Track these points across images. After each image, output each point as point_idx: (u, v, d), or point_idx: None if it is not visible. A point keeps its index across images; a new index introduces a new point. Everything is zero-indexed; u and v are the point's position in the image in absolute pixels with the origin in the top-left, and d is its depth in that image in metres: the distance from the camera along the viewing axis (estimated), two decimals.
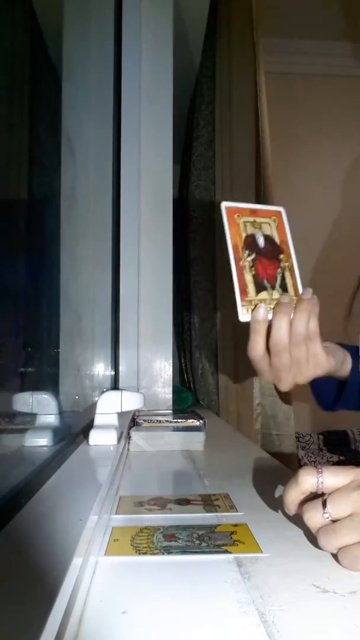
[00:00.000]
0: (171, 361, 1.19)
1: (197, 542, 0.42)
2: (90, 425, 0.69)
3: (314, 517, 0.38)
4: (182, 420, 0.88)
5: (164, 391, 1.18)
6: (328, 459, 1.89)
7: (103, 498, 0.44)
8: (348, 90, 2.34)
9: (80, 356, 1.13)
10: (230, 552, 0.40)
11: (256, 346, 0.58)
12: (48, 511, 0.39)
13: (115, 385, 1.16)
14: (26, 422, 0.69)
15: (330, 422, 2.08)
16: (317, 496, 0.40)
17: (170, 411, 1.09)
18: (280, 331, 0.56)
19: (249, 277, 0.56)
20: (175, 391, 1.21)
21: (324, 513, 0.37)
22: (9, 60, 0.93)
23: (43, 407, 0.69)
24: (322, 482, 0.39)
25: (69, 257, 1.12)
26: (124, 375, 1.17)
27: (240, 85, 1.51)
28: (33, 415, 0.69)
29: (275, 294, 0.57)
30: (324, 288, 2.45)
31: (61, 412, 0.71)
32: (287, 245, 0.59)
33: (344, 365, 0.68)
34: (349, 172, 2.33)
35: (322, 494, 0.39)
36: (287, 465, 0.71)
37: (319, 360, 0.59)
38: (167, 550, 0.40)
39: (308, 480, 0.39)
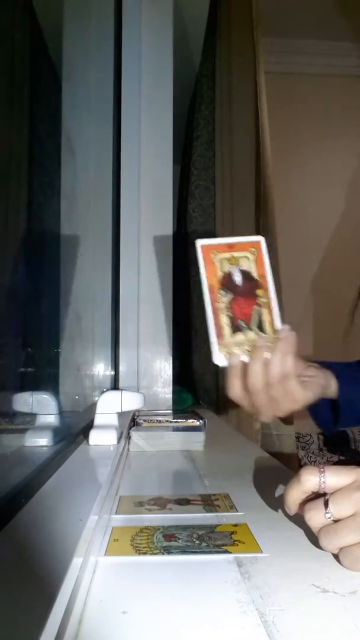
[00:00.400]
0: (171, 361, 1.19)
1: (197, 542, 0.42)
2: (90, 425, 0.69)
3: (316, 516, 0.38)
4: (182, 420, 0.88)
5: (164, 391, 1.18)
6: (328, 459, 1.89)
7: (103, 498, 0.44)
8: (348, 90, 2.34)
9: (80, 356, 1.13)
10: (230, 552, 0.40)
11: (234, 388, 0.59)
12: (48, 511, 0.39)
13: (115, 385, 1.16)
14: (26, 422, 0.69)
15: None
16: (318, 496, 0.40)
17: (170, 411, 1.09)
18: (256, 375, 0.56)
19: (224, 319, 0.56)
20: (175, 391, 1.21)
21: (326, 513, 0.37)
22: (9, 60, 0.93)
23: (43, 407, 0.69)
24: (324, 482, 0.39)
25: (69, 257, 1.12)
26: (124, 375, 1.17)
27: (240, 85, 1.51)
28: (33, 415, 0.69)
29: (251, 335, 0.56)
30: (325, 292, 2.45)
31: (61, 412, 0.71)
32: (265, 279, 0.57)
33: (328, 389, 0.68)
34: (349, 172, 2.33)
35: (324, 494, 0.39)
36: (287, 465, 0.71)
37: (295, 397, 0.59)
38: (167, 550, 0.40)
39: (310, 479, 0.39)
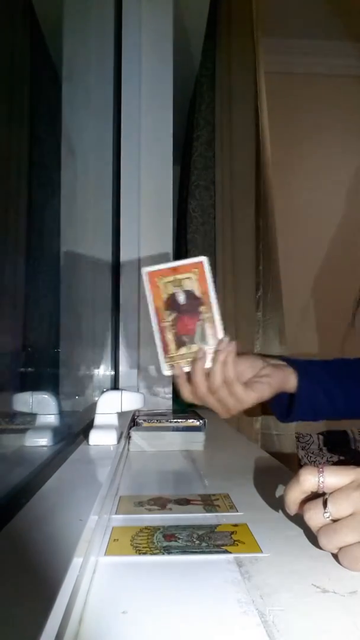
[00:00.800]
0: None
1: (197, 542, 0.42)
2: (90, 425, 0.69)
3: (315, 516, 0.38)
4: (182, 420, 0.88)
5: (164, 391, 1.18)
6: (328, 459, 1.89)
7: (103, 498, 0.44)
8: (348, 90, 2.34)
9: (80, 356, 1.13)
10: (230, 552, 0.40)
11: (185, 393, 0.66)
12: (48, 511, 0.39)
13: (115, 385, 1.16)
14: (26, 422, 0.69)
15: (330, 422, 2.08)
16: (317, 496, 0.40)
17: (170, 411, 1.09)
18: (198, 382, 0.63)
19: (169, 336, 0.63)
20: (176, 391, 1.21)
21: (325, 512, 0.38)
22: (9, 60, 0.93)
23: (43, 407, 0.69)
24: (323, 482, 0.39)
25: (69, 257, 1.12)
26: (124, 375, 1.17)
27: (240, 85, 1.51)
28: (33, 415, 0.69)
29: (194, 347, 0.63)
30: (327, 291, 2.44)
31: (61, 412, 0.71)
32: (207, 295, 0.63)
33: (287, 385, 0.71)
34: (349, 172, 2.33)
35: (323, 494, 0.39)
36: (287, 465, 0.71)
37: (241, 398, 0.64)
38: (167, 550, 0.40)
39: (309, 479, 0.39)
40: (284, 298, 1.54)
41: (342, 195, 2.32)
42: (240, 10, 1.54)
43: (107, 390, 0.76)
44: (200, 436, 0.83)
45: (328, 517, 0.38)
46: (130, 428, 0.84)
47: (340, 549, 0.37)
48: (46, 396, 0.70)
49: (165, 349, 0.63)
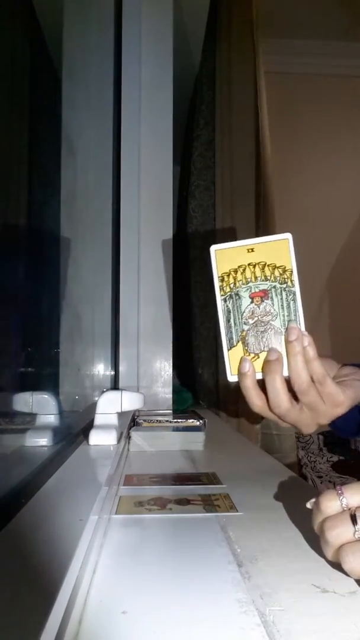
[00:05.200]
0: (171, 361, 1.19)
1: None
2: (90, 425, 0.69)
3: (343, 535, 0.35)
4: (182, 420, 0.88)
5: (164, 391, 1.18)
6: (328, 459, 1.89)
7: (103, 498, 0.44)
8: (348, 90, 2.34)
9: (80, 356, 1.13)
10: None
11: (257, 405, 0.52)
12: (48, 511, 0.39)
13: (115, 385, 1.16)
14: (26, 422, 0.69)
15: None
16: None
17: (170, 411, 1.09)
18: (276, 394, 0.49)
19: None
20: (175, 391, 1.21)
21: (356, 532, 0.34)
22: (9, 60, 0.93)
23: (43, 407, 0.69)
24: (346, 504, 0.36)
25: (69, 257, 1.12)
26: (124, 375, 1.17)
27: (240, 85, 1.51)
28: (33, 415, 0.69)
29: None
30: (338, 293, 2.41)
31: (61, 412, 0.71)
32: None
33: None
34: (350, 173, 2.33)
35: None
36: (287, 466, 0.71)
37: (336, 399, 0.52)
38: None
39: (330, 506, 0.37)
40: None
41: (343, 195, 2.32)
42: (240, 10, 1.54)
43: (107, 390, 0.76)
44: (200, 436, 0.83)
45: (358, 536, 0.34)
46: (130, 428, 0.84)
47: None
48: (46, 396, 0.70)
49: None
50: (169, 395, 1.18)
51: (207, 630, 0.29)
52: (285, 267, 0.50)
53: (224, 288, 0.51)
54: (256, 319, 0.49)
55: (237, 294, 0.50)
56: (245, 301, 0.50)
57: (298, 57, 2.28)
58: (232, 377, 0.50)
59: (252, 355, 0.49)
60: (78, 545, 0.31)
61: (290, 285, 0.49)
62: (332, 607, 0.32)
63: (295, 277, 0.49)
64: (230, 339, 0.50)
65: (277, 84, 2.05)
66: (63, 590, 0.26)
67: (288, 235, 0.51)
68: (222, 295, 0.50)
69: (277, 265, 0.50)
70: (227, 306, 0.50)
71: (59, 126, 1.12)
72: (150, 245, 1.20)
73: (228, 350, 0.50)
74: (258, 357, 0.49)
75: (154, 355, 1.18)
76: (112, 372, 1.18)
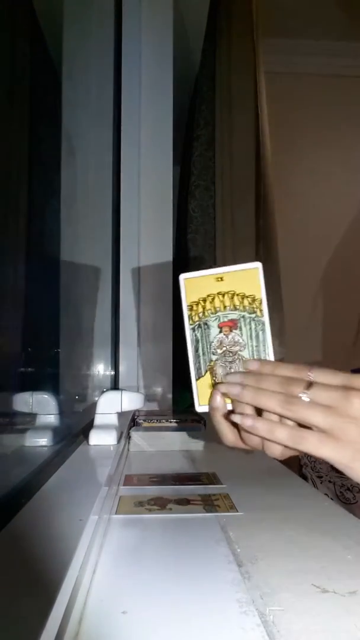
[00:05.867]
0: (171, 361, 1.19)
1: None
2: (90, 425, 0.69)
3: (293, 389, 0.39)
4: (182, 420, 0.88)
5: (164, 391, 1.18)
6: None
7: (103, 498, 0.44)
8: (348, 89, 2.34)
9: (80, 356, 1.13)
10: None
11: (227, 436, 0.48)
12: (48, 511, 0.39)
13: (115, 385, 1.16)
14: (26, 422, 0.69)
15: None
16: None
17: (170, 411, 1.09)
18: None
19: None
20: (176, 391, 1.21)
21: (304, 392, 0.39)
22: (9, 60, 0.93)
23: (43, 407, 0.69)
24: (313, 377, 0.40)
25: (69, 257, 1.12)
26: (124, 375, 1.17)
27: (240, 85, 1.51)
28: (33, 415, 0.69)
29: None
30: (332, 294, 2.39)
31: (61, 412, 0.71)
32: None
33: None
34: (351, 173, 2.33)
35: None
36: (287, 465, 0.71)
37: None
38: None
39: (298, 373, 0.41)
40: (285, 300, 1.54)
41: (343, 195, 2.32)
42: (240, 10, 1.54)
43: (107, 390, 0.76)
44: (200, 436, 0.83)
45: (305, 398, 0.39)
46: (130, 428, 0.84)
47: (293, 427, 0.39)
48: (46, 396, 0.70)
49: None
50: (169, 395, 1.18)
51: (207, 630, 0.29)
52: (254, 297, 0.49)
53: (193, 317, 0.50)
54: (224, 348, 0.48)
55: (205, 324, 0.49)
56: (214, 331, 0.49)
57: (298, 57, 2.28)
58: (200, 408, 0.49)
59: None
60: (78, 545, 0.31)
61: (259, 315, 0.48)
62: (332, 607, 0.32)
63: (264, 307, 0.48)
64: (198, 369, 0.49)
65: (277, 84, 2.05)
66: (63, 590, 0.26)
67: (258, 264, 0.50)
68: (190, 325, 0.50)
69: (247, 294, 0.49)
70: (195, 335, 0.49)
71: (59, 126, 1.12)
72: (150, 245, 1.20)
73: (196, 380, 0.49)
74: None
75: (154, 355, 1.18)
76: (112, 372, 1.18)
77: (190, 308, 0.50)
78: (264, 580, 0.36)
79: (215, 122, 1.55)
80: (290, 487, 0.60)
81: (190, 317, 0.50)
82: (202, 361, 0.49)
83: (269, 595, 0.34)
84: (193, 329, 0.50)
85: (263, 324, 0.48)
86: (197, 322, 0.50)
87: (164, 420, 0.88)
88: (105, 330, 1.18)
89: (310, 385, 0.39)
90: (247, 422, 0.42)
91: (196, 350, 0.49)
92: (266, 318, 0.48)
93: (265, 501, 0.54)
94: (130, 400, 0.74)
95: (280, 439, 0.40)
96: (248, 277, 0.50)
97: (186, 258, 1.60)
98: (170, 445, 0.82)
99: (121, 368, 1.17)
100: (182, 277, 0.51)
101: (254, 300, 0.49)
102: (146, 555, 0.40)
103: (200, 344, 0.49)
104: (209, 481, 0.62)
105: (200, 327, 0.49)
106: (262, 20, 1.59)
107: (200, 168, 1.58)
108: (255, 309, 0.49)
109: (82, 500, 0.41)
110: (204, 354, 0.49)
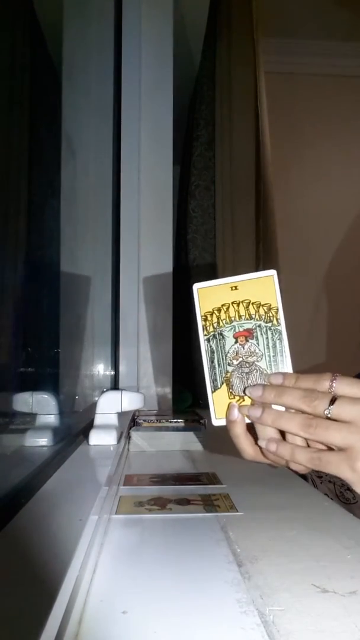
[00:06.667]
0: (171, 361, 1.19)
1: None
2: (90, 425, 0.69)
3: (318, 407, 0.39)
4: (182, 420, 0.88)
5: (164, 391, 1.18)
6: None
7: (103, 498, 0.44)
8: (349, 90, 2.34)
9: (80, 356, 1.13)
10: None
11: (247, 450, 0.48)
12: (48, 511, 0.39)
13: (115, 385, 1.16)
14: (26, 422, 0.69)
15: None
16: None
17: (170, 411, 1.09)
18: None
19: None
20: (175, 391, 1.21)
21: (327, 408, 0.38)
22: (9, 60, 0.93)
23: (43, 407, 0.69)
24: (334, 389, 0.40)
25: (69, 257, 1.12)
26: (124, 375, 1.17)
27: (240, 85, 1.51)
28: (33, 415, 0.69)
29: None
30: (336, 294, 2.39)
31: (61, 412, 0.71)
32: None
33: None
34: (351, 173, 2.33)
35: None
36: (287, 465, 0.71)
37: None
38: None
39: (321, 383, 0.40)
40: (286, 300, 1.53)
41: (343, 194, 2.32)
42: (240, 10, 1.54)
43: (107, 390, 0.76)
44: (200, 436, 0.83)
45: (327, 414, 0.38)
46: (130, 428, 0.84)
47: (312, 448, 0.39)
48: (46, 396, 0.70)
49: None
50: (169, 396, 1.18)
51: (207, 630, 0.29)
52: (270, 305, 0.47)
53: (207, 328, 0.48)
54: (241, 359, 0.47)
55: (220, 334, 0.48)
56: (230, 341, 0.47)
57: (298, 57, 2.28)
58: (217, 421, 0.47)
59: (237, 397, 0.46)
60: (78, 545, 0.31)
61: (276, 323, 0.47)
62: (332, 607, 0.32)
63: (281, 315, 0.47)
64: (214, 381, 0.47)
65: (277, 84, 2.05)
66: (63, 590, 0.26)
67: (273, 272, 0.48)
68: (205, 335, 0.48)
69: (262, 303, 0.48)
70: (210, 346, 0.48)
71: (59, 126, 1.12)
72: (150, 245, 1.20)
73: (212, 392, 0.47)
74: (243, 400, 0.46)
75: (154, 355, 1.18)
76: (112, 372, 1.18)
77: (205, 318, 0.48)
78: (264, 580, 0.36)
79: (215, 122, 1.56)
80: (290, 487, 0.60)
81: (204, 327, 0.48)
82: (217, 373, 0.47)
83: (269, 595, 0.34)
84: (208, 340, 0.48)
85: (280, 332, 0.47)
86: (212, 333, 0.48)
87: (164, 420, 0.88)
88: (105, 330, 1.18)
89: (333, 400, 0.38)
90: (271, 447, 0.42)
91: (212, 361, 0.47)
92: (283, 327, 0.47)
93: (265, 501, 0.54)
94: (130, 400, 0.74)
95: (301, 461, 0.40)
96: (263, 285, 0.48)
97: (186, 258, 1.60)
98: (170, 445, 0.82)
99: (121, 368, 1.17)
100: (196, 286, 0.49)
101: (270, 308, 0.47)
102: (146, 555, 0.40)
103: (215, 355, 0.48)
104: (209, 481, 0.62)
105: (215, 338, 0.48)
106: (262, 20, 1.59)
107: (200, 168, 1.58)
108: (271, 318, 0.47)
109: (82, 500, 0.41)
110: (219, 365, 0.47)
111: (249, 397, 0.45)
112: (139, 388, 1.16)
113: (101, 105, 1.18)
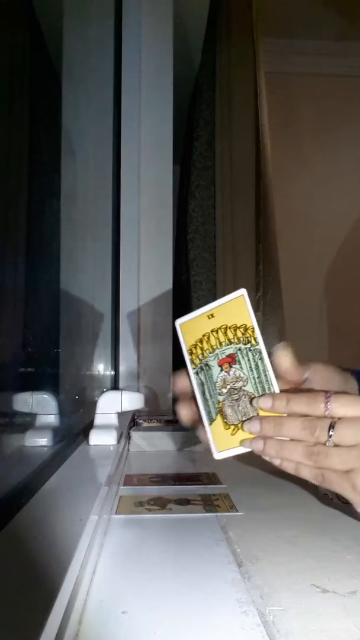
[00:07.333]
0: (171, 361, 1.19)
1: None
2: (90, 425, 0.69)
3: (321, 436, 0.38)
4: None
5: (164, 391, 1.18)
6: None
7: (103, 498, 0.44)
8: (348, 90, 2.34)
9: (80, 356, 1.13)
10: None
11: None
12: (48, 511, 0.39)
13: (115, 385, 1.16)
14: (26, 422, 0.69)
15: None
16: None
17: (170, 411, 1.09)
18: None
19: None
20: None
21: (328, 440, 0.37)
22: (9, 60, 0.93)
23: (43, 407, 0.69)
24: (329, 412, 0.38)
25: (69, 257, 1.12)
26: (124, 375, 1.17)
27: (240, 85, 1.51)
28: (33, 415, 0.69)
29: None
30: (338, 295, 2.38)
31: (61, 412, 0.71)
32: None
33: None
34: (351, 173, 2.33)
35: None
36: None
37: None
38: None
39: (314, 406, 0.39)
40: (287, 301, 1.54)
41: (343, 194, 2.32)
42: (240, 11, 1.54)
43: (107, 390, 0.76)
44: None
45: (330, 445, 0.38)
46: (130, 428, 0.84)
47: (318, 470, 0.39)
48: (46, 396, 0.70)
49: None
50: (169, 395, 1.18)
51: (207, 630, 0.29)
52: (246, 326, 0.46)
53: (194, 361, 0.48)
54: (229, 387, 0.46)
55: (206, 364, 0.47)
56: (216, 370, 0.46)
57: (298, 57, 2.28)
58: (218, 454, 0.45)
59: (233, 427, 0.45)
60: (78, 545, 0.31)
61: (254, 343, 0.45)
62: (332, 607, 0.32)
63: (257, 334, 0.46)
64: (209, 413, 0.46)
65: (277, 84, 2.05)
66: (63, 590, 0.26)
67: (243, 292, 0.47)
68: (193, 369, 0.48)
69: (238, 325, 0.46)
70: (199, 379, 0.47)
71: (59, 126, 1.12)
72: (150, 246, 1.20)
73: (209, 425, 0.46)
74: (238, 429, 0.45)
75: (154, 355, 1.18)
76: (112, 372, 1.18)
77: (190, 352, 0.48)
78: (264, 580, 0.36)
79: (215, 122, 1.56)
80: (291, 487, 0.60)
81: (192, 361, 0.48)
82: (210, 404, 0.46)
83: (269, 595, 0.34)
84: (196, 373, 0.47)
85: (260, 352, 0.45)
86: (199, 365, 0.47)
87: (164, 420, 0.89)
88: (105, 330, 1.18)
89: (332, 426, 0.37)
90: (275, 462, 0.43)
91: (203, 394, 0.47)
92: (262, 345, 0.46)
93: (265, 501, 0.54)
94: (130, 401, 0.74)
95: (306, 477, 0.40)
96: (235, 307, 0.47)
97: (186, 258, 1.60)
98: (170, 445, 0.82)
99: (121, 368, 1.17)
100: (178, 322, 0.49)
101: (246, 329, 0.46)
102: (146, 555, 0.40)
103: (205, 387, 0.47)
104: (209, 481, 0.62)
105: (203, 369, 0.47)
106: (262, 20, 1.59)
107: (200, 168, 1.58)
108: (249, 338, 0.46)
109: (82, 500, 0.41)
110: (211, 396, 0.46)
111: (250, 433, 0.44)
112: (139, 388, 1.16)
113: (101, 105, 1.18)
